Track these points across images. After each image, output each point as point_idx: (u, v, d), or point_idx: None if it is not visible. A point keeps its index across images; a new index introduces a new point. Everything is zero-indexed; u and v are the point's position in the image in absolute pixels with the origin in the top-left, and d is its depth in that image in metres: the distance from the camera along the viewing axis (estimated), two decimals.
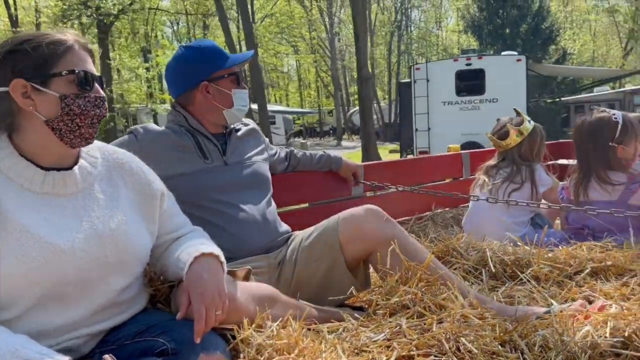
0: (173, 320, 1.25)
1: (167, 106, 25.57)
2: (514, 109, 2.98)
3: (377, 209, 1.76)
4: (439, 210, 3.51)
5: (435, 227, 3.22)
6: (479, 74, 11.25)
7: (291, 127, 29.99)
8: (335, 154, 2.70)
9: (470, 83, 11.43)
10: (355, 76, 17.75)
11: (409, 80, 12.03)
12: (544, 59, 20.68)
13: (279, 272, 1.80)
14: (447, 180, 3.91)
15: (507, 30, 21.29)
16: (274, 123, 22.35)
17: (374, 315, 1.51)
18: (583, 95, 20.78)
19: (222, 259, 1.37)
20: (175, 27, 38.80)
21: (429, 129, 11.42)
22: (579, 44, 33.61)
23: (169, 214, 1.45)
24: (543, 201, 2.72)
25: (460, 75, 11.41)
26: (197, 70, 1.87)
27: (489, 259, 2.06)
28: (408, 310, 1.48)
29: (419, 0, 37.58)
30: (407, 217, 3.38)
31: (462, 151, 4.20)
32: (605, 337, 1.26)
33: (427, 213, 3.48)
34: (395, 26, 35.90)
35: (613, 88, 23.65)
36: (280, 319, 1.38)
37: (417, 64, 12.54)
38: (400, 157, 11.92)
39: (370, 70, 33.25)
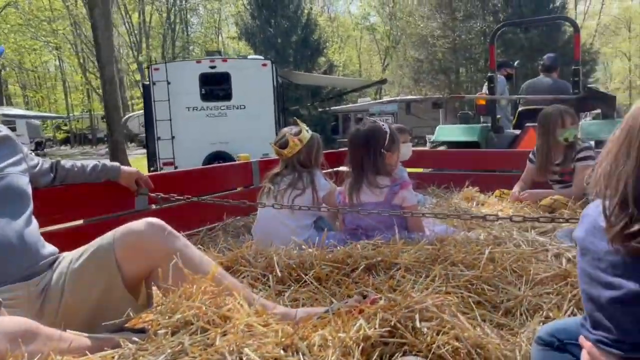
0: None
1: None
2: (294, 119, 3.13)
3: (158, 222, 1.66)
4: (230, 220, 3.51)
5: (227, 237, 3.20)
6: (225, 78, 10.30)
7: (39, 134, 25.94)
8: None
9: (216, 87, 10.55)
10: (135, 78, 16.39)
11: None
12: (313, 69, 21.93)
13: (42, 300, 1.57)
14: (239, 189, 3.94)
15: (279, 40, 22.17)
16: (13, 129, 18.49)
17: (155, 336, 1.41)
18: (350, 106, 22.79)
19: None
20: None
21: (172, 137, 10.04)
22: (343, 57, 36.72)
23: None
24: (324, 205, 2.90)
25: (205, 79, 10.34)
26: None
27: (276, 264, 2.11)
28: (191, 326, 1.41)
29: (193, 3, 36.27)
30: (198, 229, 3.30)
31: (252, 160, 4.28)
32: (375, 328, 1.37)
33: (218, 223, 3.44)
34: (169, 28, 34.10)
35: (375, 99, 26.61)
36: (40, 355, 1.19)
37: (155, 63, 11.20)
38: (149, 169, 10.23)
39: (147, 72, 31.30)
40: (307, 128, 3.01)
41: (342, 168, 4.30)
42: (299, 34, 22.59)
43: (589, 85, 6.28)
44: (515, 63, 8.21)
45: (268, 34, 22.10)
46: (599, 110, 6.51)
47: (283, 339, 1.29)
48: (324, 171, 3.10)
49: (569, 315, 1.64)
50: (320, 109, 19.43)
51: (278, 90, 10.94)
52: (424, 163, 5.02)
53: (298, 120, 3.08)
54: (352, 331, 1.34)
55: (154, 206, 2.99)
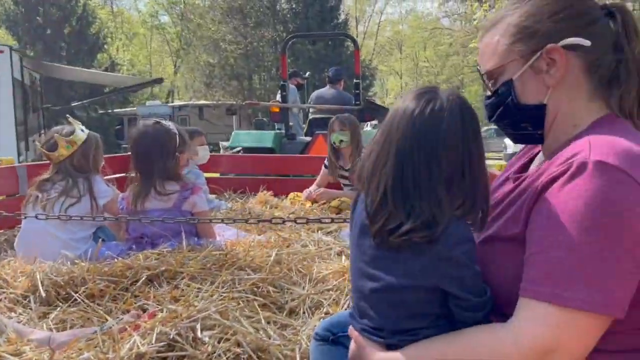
0: None
1: None
2: (67, 118, 2.81)
3: None
4: None
5: None
6: None
7: None
8: None
9: None
10: None
11: None
12: (92, 66, 19.95)
13: None
14: (1, 198, 3.39)
15: (49, 31, 19.82)
16: None
17: None
18: (128, 109, 21.15)
19: None
20: None
21: None
22: (129, 55, 34.01)
23: None
24: (106, 214, 2.64)
25: None
26: None
27: (39, 282, 1.84)
28: None
29: None
30: None
31: (18, 164, 3.72)
32: (151, 344, 1.26)
33: None
34: None
35: (166, 102, 25.38)
36: None
37: None
38: None
39: None
40: (83, 127, 2.71)
41: (130, 174, 4.01)
42: (73, 26, 20.32)
43: (367, 98, 6.94)
44: (306, 74, 8.69)
45: (34, 24, 19.48)
46: (376, 122, 7.27)
47: None
48: (106, 177, 2.83)
49: (346, 309, 1.73)
50: (101, 111, 17.62)
51: (25, 85, 9.27)
52: (221, 168, 4.99)
53: (71, 119, 2.75)
54: (124, 350, 1.22)
55: None
